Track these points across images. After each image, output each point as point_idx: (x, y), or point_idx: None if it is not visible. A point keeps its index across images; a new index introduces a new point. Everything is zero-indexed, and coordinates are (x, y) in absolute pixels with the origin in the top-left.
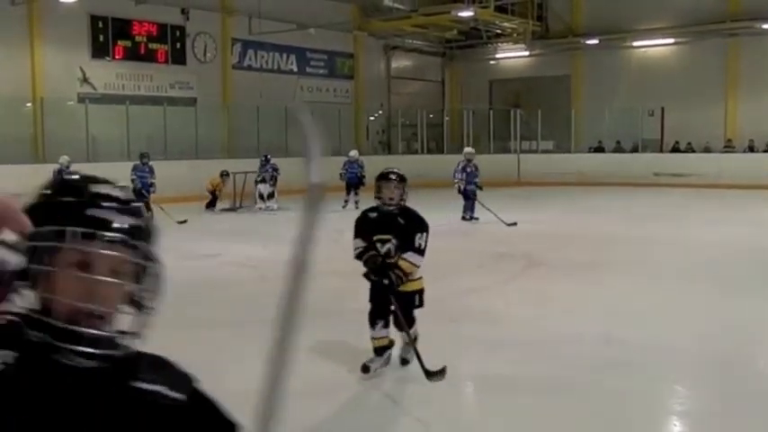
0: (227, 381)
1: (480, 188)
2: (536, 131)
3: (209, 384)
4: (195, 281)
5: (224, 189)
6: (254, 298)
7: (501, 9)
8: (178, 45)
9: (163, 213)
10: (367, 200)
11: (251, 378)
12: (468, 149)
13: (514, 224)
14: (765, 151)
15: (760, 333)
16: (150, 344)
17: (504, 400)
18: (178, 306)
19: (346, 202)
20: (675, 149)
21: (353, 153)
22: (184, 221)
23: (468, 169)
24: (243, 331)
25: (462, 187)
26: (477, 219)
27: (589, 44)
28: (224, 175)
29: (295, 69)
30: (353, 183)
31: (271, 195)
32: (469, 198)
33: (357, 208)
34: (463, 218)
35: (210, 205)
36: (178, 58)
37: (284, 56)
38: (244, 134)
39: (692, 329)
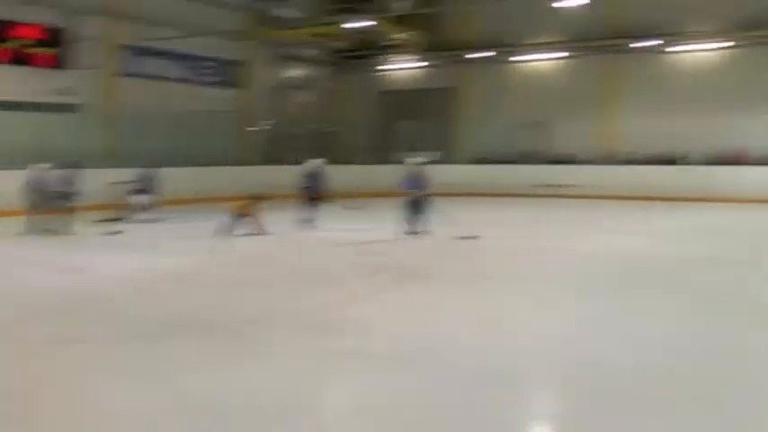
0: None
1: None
2: (424, 142)
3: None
4: (67, 294)
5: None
6: (124, 311)
7: (392, 21)
8: (60, 49)
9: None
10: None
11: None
12: (412, 159)
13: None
14: (643, 163)
15: (619, 337)
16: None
17: (377, 411)
18: (47, 321)
19: None
20: (558, 161)
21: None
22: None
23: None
24: (110, 346)
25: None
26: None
27: (477, 57)
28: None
29: (183, 77)
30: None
31: (150, 206)
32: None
33: None
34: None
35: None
36: (60, 62)
37: (172, 63)
38: (131, 143)
39: (559, 335)
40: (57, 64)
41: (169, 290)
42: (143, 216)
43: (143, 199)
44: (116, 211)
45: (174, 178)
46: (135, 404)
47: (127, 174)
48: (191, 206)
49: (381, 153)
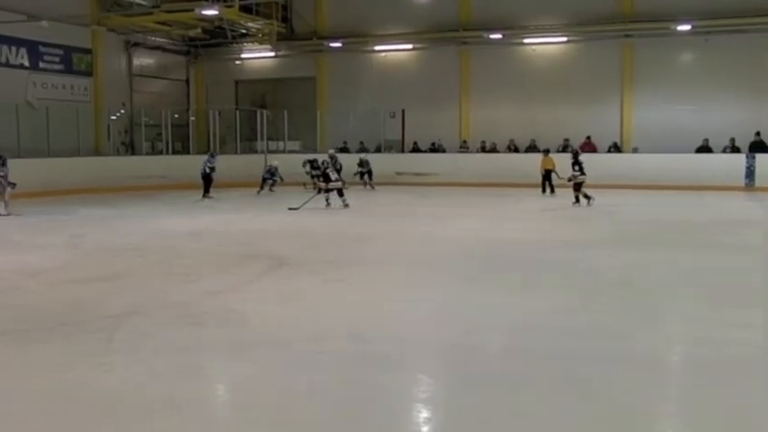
0: None
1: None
2: (283, 132)
3: None
4: None
5: None
6: None
7: (246, 9)
8: None
9: None
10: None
11: None
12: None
13: None
14: (492, 151)
15: (485, 319)
16: None
17: (251, 402)
18: None
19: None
20: (416, 150)
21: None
22: None
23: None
24: None
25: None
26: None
27: (333, 47)
28: None
29: (26, 64)
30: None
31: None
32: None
33: None
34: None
35: None
36: None
37: (13, 49)
38: None
39: (428, 320)
40: None
41: (27, 285)
42: (7, 211)
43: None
44: None
45: (23, 170)
46: None
47: None
48: (43, 199)
49: (241, 143)
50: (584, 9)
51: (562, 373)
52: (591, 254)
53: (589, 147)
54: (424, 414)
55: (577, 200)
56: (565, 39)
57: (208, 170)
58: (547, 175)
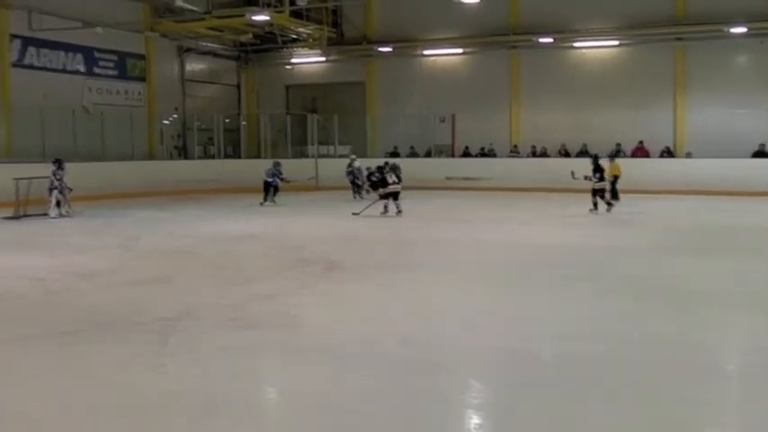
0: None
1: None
2: (333, 136)
3: None
4: None
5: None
6: (36, 312)
7: (296, 14)
8: None
9: None
10: None
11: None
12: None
13: None
14: (543, 156)
15: (538, 325)
16: None
17: (302, 404)
18: None
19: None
20: (466, 154)
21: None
22: None
23: None
24: (21, 347)
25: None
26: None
27: (382, 51)
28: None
29: (82, 70)
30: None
31: (63, 202)
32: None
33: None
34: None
35: None
36: None
37: (70, 55)
38: (26, 137)
39: (480, 325)
40: None
41: (83, 288)
42: (57, 212)
43: (58, 195)
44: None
45: (79, 174)
46: (52, 406)
47: (27, 170)
48: (97, 202)
49: (292, 147)
50: (635, 12)
51: (618, 380)
52: (645, 259)
53: (641, 152)
54: (475, 420)
55: (595, 206)
56: (616, 42)
57: (271, 179)
58: (614, 182)
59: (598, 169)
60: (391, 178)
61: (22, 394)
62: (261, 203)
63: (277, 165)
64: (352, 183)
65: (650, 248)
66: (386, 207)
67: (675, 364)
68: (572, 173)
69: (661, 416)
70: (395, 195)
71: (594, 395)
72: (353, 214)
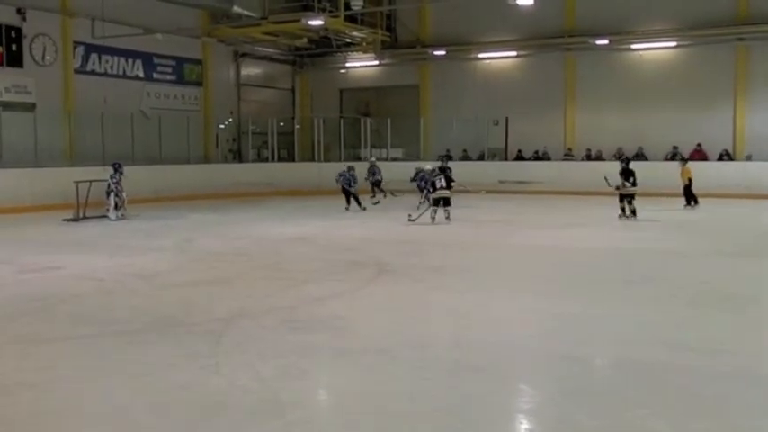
0: (53, 397)
1: None
2: (386, 139)
3: (34, 399)
4: (35, 294)
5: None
6: (94, 311)
7: (351, 19)
8: (14, 47)
9: None
10: None
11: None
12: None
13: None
14: (598, 159)
15: (593, 330)
16: None
17: (353, 406)
18: (16, 320)
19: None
20: (519, 158)
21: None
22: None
23: None
24: (79, 345)
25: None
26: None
27: (436, 55)
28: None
29: (141, 75)
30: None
31: (120, 205)
32: None
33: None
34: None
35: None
36: (14, 60)
37: (130, 61)
38: (87, 141)
39: (533, 330)
40: (10, 62)
41: (141, 289)
42: (113, 215)
43: (116, 198)
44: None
45: (136, 177)
46: (108, 404)
47: (88, 173)
48: (154, 205)
49: (345, 150)
50: (695, 12)
51: (675, 387)
52: (703, 265)
53: (699, 154)
54: (526, 425)
55: (623, 212)
56: (674, 43)
57: (347, 184)
58: (688, 186)
59: (628, 173)
60: (440, 182)
61: (80, 392)
62: (346, 209)
63: (351, 169)
64: (374, 184)
65: (708, 253)
66: (434, 213)
67: (734, 372)
68: (605, 179)
69: (720, 425)
70: (445, 201)
71: (651, 402)
72: (410, 221)
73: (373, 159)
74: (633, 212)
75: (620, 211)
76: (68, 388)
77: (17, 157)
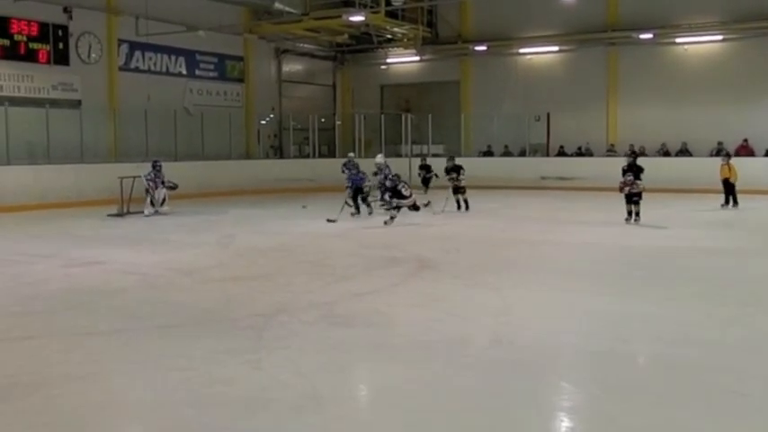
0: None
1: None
2: (427, 135)
3: (79, 392)
4: (79, 288)
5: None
6: (137, 306)
7: (392, 15)
8: (60, 45)
9: None
10: None
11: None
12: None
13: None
14: (641, 155)
15: (635, 328)
16: (25, 351)
17: (393, 402)
18: (62, 313)
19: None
20: (561, 153)
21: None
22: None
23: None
24: (122, 339)
25: None
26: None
27: (477, 50)
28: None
29: (184, 72)
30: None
31: (163, 201)
32: None
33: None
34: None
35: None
36: (60, 58)
37: (173, 58)
38: (131, 138)
39: (573, 327)
40: (57, 60)
41: (183, 283)
42: (153, 210)
43: (158, 194)
44: (121, 207)
45: (179, 173)
46: (150, 397)
47: (132, 169)
48: (196, 200)
49: (386, 146)
50: (740, 5)
51: (717, 387)
52: (746, 263)
53: (745, 150)
54: (567, 423)
55: (630, 215)
56: (720, 37)
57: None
58: (726, 184)
59: (635, 170)
60: (406, 191)
61: (122, 385)
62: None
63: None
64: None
65: (759, 251)
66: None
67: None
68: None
69: (762, 425)
70: (461, 190)
71: (691, 401)
72: (434, 214)
73: (379, 159)
74: (638, 215)
75: (626, 215)
76: (112, 381)
77: (64, 154)
